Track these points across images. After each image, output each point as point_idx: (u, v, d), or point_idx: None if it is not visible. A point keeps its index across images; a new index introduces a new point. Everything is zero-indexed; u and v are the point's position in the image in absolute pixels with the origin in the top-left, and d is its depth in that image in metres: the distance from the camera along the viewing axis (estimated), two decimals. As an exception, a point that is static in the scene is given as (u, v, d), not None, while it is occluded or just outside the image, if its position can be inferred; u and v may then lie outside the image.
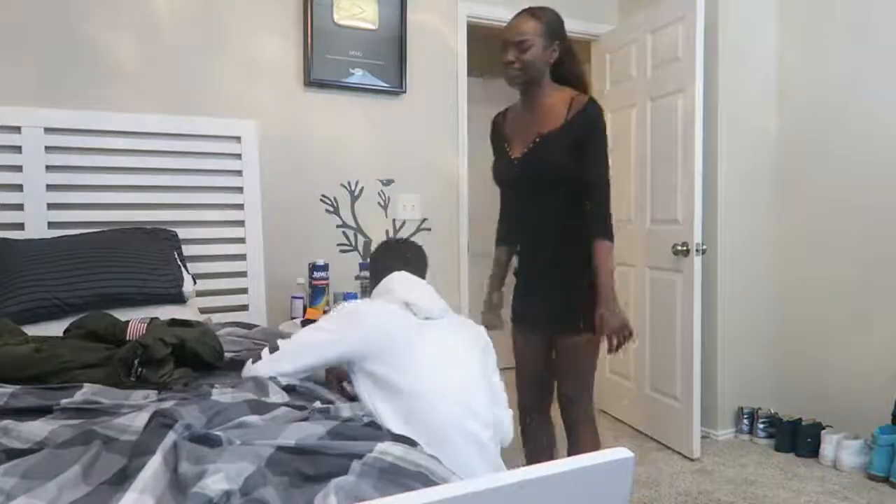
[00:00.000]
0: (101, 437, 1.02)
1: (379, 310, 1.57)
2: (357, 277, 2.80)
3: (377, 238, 3.05)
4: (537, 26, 1.89)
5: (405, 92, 3.06)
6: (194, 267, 2.54)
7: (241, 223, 2.70)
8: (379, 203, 3.06)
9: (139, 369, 1.43)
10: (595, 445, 2.03)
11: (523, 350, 2.13)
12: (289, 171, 2.88)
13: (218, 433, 1.02)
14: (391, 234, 3.09)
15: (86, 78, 2.51)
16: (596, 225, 1.90)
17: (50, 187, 2.38)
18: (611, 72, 3.48)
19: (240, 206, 2.70)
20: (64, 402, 1.22)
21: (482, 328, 1.74)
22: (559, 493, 0.75)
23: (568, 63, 1.99)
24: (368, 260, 1.93)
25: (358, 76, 2.95)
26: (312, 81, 2.87)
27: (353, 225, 3.00)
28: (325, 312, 2.62)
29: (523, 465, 0.73)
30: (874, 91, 2.77)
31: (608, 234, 1.89)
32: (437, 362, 1.54)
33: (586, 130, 1.89)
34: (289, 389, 1.51)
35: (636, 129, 3.26)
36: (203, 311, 2.46)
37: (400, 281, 1.64)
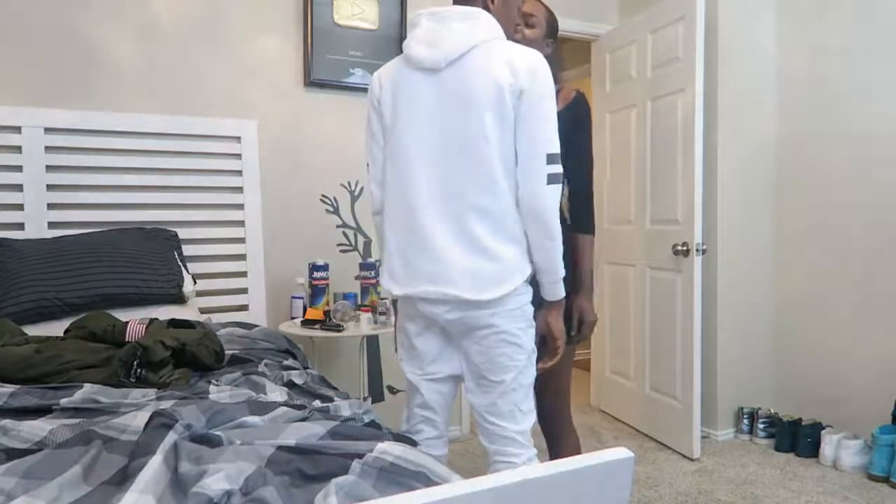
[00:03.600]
0: (102, 437, 1.02)
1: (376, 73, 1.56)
2: (357, 277, 2.80)
3: (377, 238, 3.05)
4: (546, 14, 1.95)
5: (405, 92, 3.06)
6: (194, 267, 2.55)
7: (241, 223, 2.70)
8: (379, 203, 3.06)
9: (139, 370, 1.43)
10: (578, 452, 2.00)
11: None
12: (289, 171, 2.88)
13: (218, 433, 1.02)
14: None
15: (86, 78, 2.51)
16: (577, 218, 1.87)
17: (50, 187, 2.38)
18: (611, 72, 3.48)
19: (240, 206, 2.70)
20: (63, 401, 1.22)
21: (513, 66, 1.39)
22: (559, 493, 0.75)
23: (553, 64, 2.01)
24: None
25: (358, 76, 2.95)
26: (312, 81, 2.87)
27: (353, 225, 3.00)
28: (325, 313, 2.63)
29: None
30: (874, 91, 2.77)
31: (590, 229, 1.88)
32: (405, 132, 1.46)
33: (572, 123, 1.86)
34: (290, 386, 1.52)
35: (636, 129, 3.26)
36: (203, 311, 2.46)
37: (413, 22, 1.48)
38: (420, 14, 1.47)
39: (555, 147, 1.42)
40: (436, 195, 1.44)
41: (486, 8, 1.49)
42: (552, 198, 1.42)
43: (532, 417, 1.53)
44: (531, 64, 1.40)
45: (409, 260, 1.50)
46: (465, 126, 1.40)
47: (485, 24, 1.43)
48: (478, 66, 1.39)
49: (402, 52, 1.52)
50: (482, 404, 1.51)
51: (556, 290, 1.54)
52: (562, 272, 1.51)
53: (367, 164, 1.62)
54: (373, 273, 2.72)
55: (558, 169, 1.42)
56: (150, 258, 2.23)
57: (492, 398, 1.49)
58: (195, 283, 2.39)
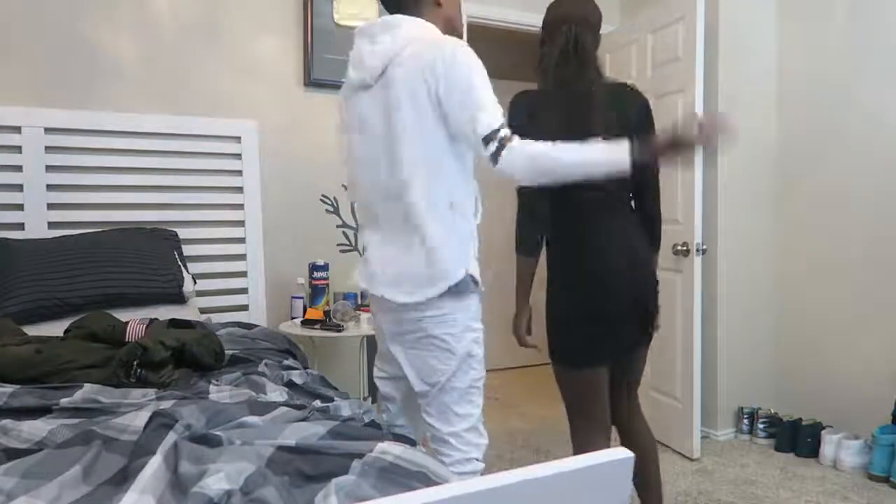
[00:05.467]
0: (101, 437, 1.02)
1: None
2: (357, 277, 2.80)
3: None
4: None
5: (405, 92, 3.06)
6: (194, 267, 2.54)
7: (241, 223, 2.70)
8: (379, 203, 3.06)
9: (139, 370, 1.43)
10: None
11: None
12: (289, 171, 2.87)
13: (218, 433, 1.02)
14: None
15: (86, 78, 2.51)
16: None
17: (50, 187, 2.38)
18: (611, 72, 3.47)
19: (240, 206, 2.70)
20: (63, 401, 1.22)
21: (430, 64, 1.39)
22: (559, 493, 0.75)
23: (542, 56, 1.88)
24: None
25: (358, 76, 2.95)
26: (312, 81, 2.87)
27: (353, 225, 3.00)
28: (325, 313, 2.63)
29: None
30: (874, 91, 2.76)
31: (521, 249, 1.76)
32: (353, 146, 1.56)
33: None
34: (290, 386, 1.52)
35: (636, 129, 3.25)
36: (203, 311, 2.46)
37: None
38: (354, 32, 1.53)
39: (486, 125, 1.35)
40: (374, 202, 1.53)
41: (437, 2, 1.51)
42: (511, 167, 1.36)
43: (469, 421, 1.51)
44: (442, 57, 1.38)
45: (364, 262, 1.60)
46: (388, 135, 1.45)
47: (406, 31, 1.44)
48: (399, 76, 1.41)
49: None
50: (421, 404, 1.55)
51: (623, 166, 1.39)
52: (605, 166, 1.39)
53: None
54: (373, 273, 2.72)
55: (497, 145, 1.35)
56: (150, 258, 2.23)
57: (427, 400, 1.52)
58: (195, 283, 2.39)
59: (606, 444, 1.80)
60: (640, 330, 1.79)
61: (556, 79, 1.81)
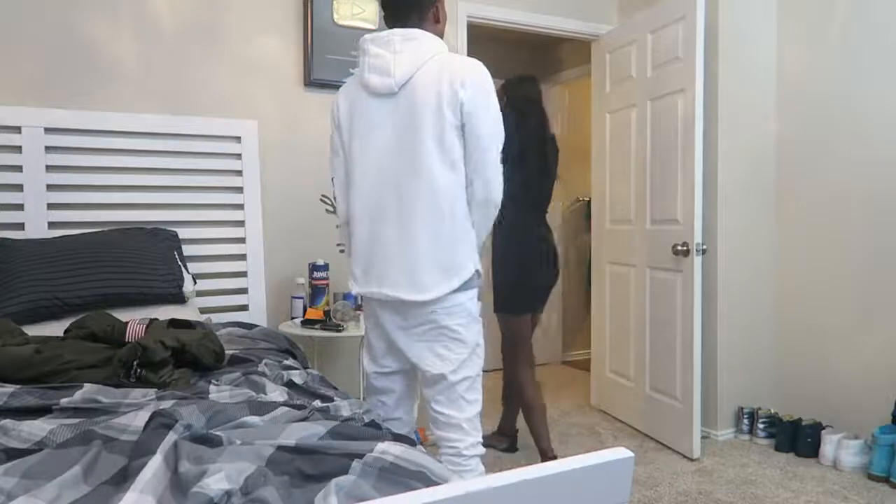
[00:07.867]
0: (101, 437, 1.02)
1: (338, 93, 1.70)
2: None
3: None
4: None
5: (405, 92, 3.06)
6: (194, 267, 2.54)
7: (241, 223, 2.70)
8: (379, 203, 3.06)
9: (139, 370, 1.43)
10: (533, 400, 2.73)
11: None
12: (289, 171, 2.87)
13: (218, 433, 1.02)
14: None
15: (86, 78, 2.51)
16: None
17: (50, 187, 2.38)
18: (611, 72, 3.48)
19: (240, 206, 2.70)
20: (63, 401, 1.22)
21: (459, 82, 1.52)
22: (559, 493, 0.75)
23: None
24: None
25: (358, 76, 2.95)
26: (312, 81, 2.87)
27: (353, 225, 3.00)
28: (325, 313, 2.63)
29: None
30: (874, 91, 2.77)
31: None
32: (364, 149, 1.59)
33: None
34: (290, 386, 1.52)
35: (636, 129, 3.26)
36: (203, 311, 2.46)
37: (361, 48, 1.62)
38: (365, 40, 1.60)
39: (500, 141, 1.60)
40: (389, 205, 1.57)
41: (436, 20, 1.63)
42: (501, 184, 1.62)
43: (478, 406, 1.63)
44: (471, 75, 1.53)
45: (366, 265, 1.64)
46: (414, 140, 1.52)
47: (427, 43, 1.55)
48: (424, 85, 1.51)
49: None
50: (429, 394, 1.63)
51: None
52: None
53: (332, 179, 1.78)
54: (373, 273, 2.72)
55: (499, 158, 1.61)
56: (150, 258, 2.23)
57: (437, 389, 1.60)
58: (195, 283, 2.39)
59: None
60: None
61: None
